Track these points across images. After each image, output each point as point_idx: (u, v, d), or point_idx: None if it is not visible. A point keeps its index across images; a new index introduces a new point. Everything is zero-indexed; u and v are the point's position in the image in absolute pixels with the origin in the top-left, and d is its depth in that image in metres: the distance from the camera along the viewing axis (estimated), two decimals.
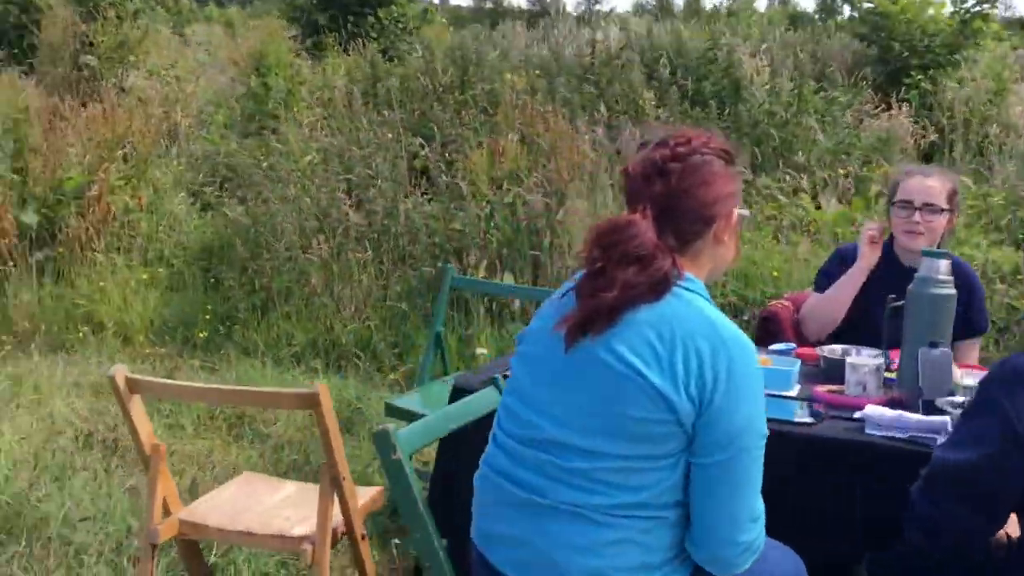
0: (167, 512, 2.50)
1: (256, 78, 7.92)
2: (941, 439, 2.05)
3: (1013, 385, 1.67)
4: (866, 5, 8.96)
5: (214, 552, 3.06)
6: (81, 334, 5.61)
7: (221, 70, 11.86)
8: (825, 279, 3.12)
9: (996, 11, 9.47)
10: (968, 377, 2.36)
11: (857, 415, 2.24)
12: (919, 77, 8.07)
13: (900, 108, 7.40)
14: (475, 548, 1.87)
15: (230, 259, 6.03)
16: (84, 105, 7.55)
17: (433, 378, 3.96)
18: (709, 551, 1.70)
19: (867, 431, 2.19)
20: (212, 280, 6.12)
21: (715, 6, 28.78)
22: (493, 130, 6.40)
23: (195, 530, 2.48)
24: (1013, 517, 1.79)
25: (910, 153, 6.68)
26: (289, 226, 5.53)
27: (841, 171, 6.34)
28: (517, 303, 5.38)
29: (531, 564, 1.74)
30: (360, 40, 10.30)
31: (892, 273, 2.95)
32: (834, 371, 2.60)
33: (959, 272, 2.64)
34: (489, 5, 57.61)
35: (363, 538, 2.47)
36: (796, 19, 24.07)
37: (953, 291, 2.45)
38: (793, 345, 2.89)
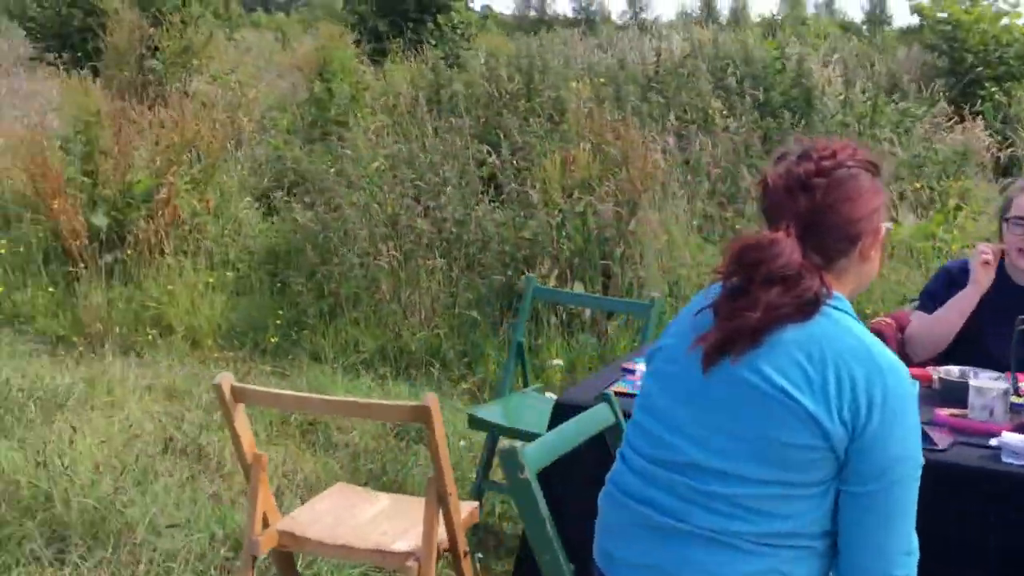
0: (265, 523, 2.46)
1: (320, 83, 7.94)
2: None
3: None
4: (938, 15, 8.77)
5: (299, 562, 3.03)
6: (150, 336, 5.64)
7: (279, 75, 11.98)
8: (930, 299, 3.01)
9: None
10: None
11: (993, 442, 2.14)
12: (993, 89, 7.88)
13: (974, 120, 7.23)
14: (597, 569, 1.81)
15: (297, 264, 6.03)
16: (150, 108, 7.62)
17: (512, 389, 3.90)
18: None
19: (1004, 459, 2.09)
20: (278, 285, 6.12)
21: (763, 15, 28.50)
22: (562, 138, 6.34)
23: (294, 542, 2.44)
24: None
25: (987, 167, 6.51)
26: (361, 232, 5.51)
27: (916, 184, 6.19)
28: (588, 313, 5.31)
29: None
30: (420, 46, 10.31)
31: (1005, 292, 2.84)
32: (953, 394, 2.49)
33: None
34: (533, 13, 57.80)
35: (465, 555, 2.42)
36: (845, 29, 23.78)
37: None
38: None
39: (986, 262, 2.86)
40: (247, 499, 2.40)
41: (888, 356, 1.63)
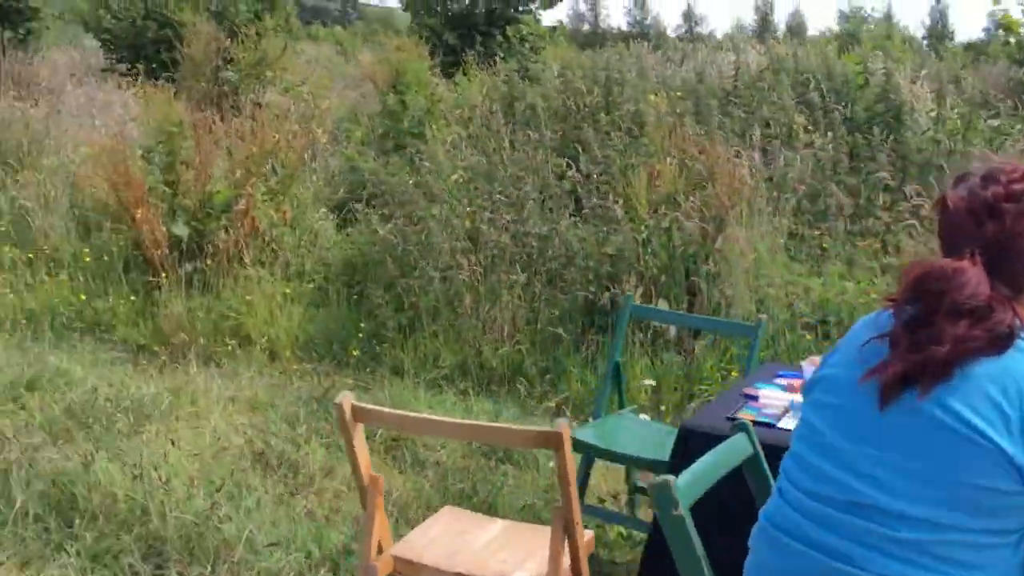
0: (379, 548, 2.39)
1: (394, 96, 7.93)
2: None
3: None
4: None
5: None
6: (229, 347, 5.63)
7: (346, 86, 12.04)
8: None
9: None
10: None
11: None
12: None
13: None
14: None
15: (375, 276, 5.99)
16: (222, 119, 7.67)
17: (609, 411, 3.79)
18: None
19: None
20: (355, 297, 6.09)
21: (832, 29, 28.09)
22: (640, 152, 6.24)
23: (410, 568, 2.36)
24: None
25: None
26: (444, 245, 5.45)
27: None
28: (672, 331, 5.19)
29: None
30: (491, 59, 10.28)
31: None
32: None
33: None
34: (586, 27, 57.86)
35: None
36: (906, 43, 23.29)
37: None
38: None
39: None
40: (363, 522, 2.33)
41: None
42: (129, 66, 12.46)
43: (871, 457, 1.57)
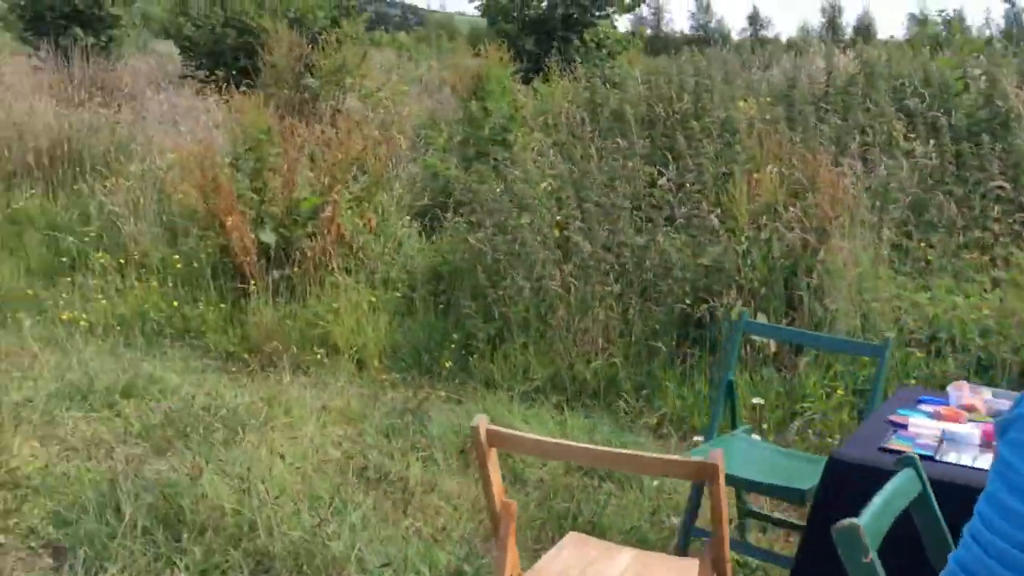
0: None
1: (476, 102, 7.86)
2: None
3: None
4: None
5: None
6: (318, 355, 5.59)
7: (420, 91, 12.02)
8: None
9: None
10: None
11: None
12: None
13: None
14: None
15: (462, 285, 5.91)
16: (306, 125, 7.68)
17: (721, 432, 3.65)
18: None
19: None
20: (441, 306, 6.01)
21: (927, 31, 27.37)
22: (736, 160, 6.06)
23: None
24: None
25: None
26: (537, 255, 5.34)
27: None
28: (772, 346, 5.02)
29: None
30: (570, 64, 10.16)
31: None
32: None
33: None
34: (649, 31, 57.42)
35: None
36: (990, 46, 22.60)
37: None
38: None
39: None
40: (495, 549, 2.23)
41: None
42: (208, 73, 12.63)
43: None
